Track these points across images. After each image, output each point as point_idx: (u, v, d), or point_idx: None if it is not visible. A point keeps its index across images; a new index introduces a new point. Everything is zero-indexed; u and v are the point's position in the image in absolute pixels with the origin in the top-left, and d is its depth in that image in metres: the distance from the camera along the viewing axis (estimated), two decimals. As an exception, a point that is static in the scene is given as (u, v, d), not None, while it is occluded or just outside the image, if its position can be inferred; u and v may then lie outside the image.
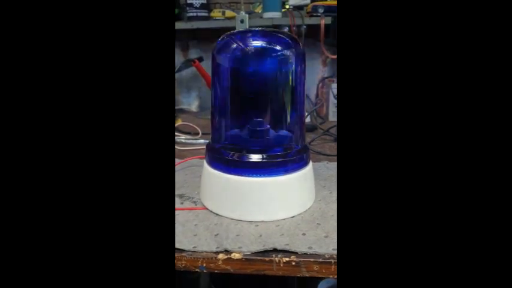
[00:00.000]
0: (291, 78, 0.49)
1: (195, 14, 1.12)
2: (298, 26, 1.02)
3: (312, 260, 0.38)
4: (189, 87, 1.28)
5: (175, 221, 0.45)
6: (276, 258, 0.38)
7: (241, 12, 1.00)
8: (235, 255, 0.38)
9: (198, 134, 0.89)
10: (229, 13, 1.12)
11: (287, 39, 0.49)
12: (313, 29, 1.03)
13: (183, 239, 0.41)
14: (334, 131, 0.87)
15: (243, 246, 0.39)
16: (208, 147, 0.50)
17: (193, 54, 1.24)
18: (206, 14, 1.13)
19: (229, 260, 0.38)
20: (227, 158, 0.46)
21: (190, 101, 1.28)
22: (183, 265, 0.39)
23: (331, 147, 0.80)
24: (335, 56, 1.07)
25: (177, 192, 0.54)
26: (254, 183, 0.45)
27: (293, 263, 0.38)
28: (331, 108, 1.08)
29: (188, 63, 1.08)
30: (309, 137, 0.84)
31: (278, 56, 0.48)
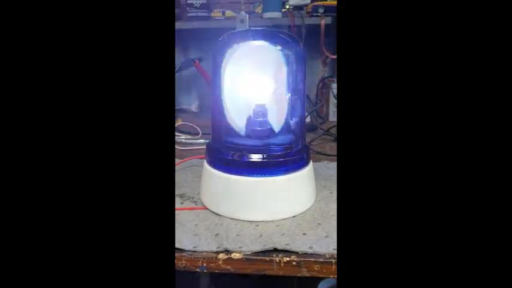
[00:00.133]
0: (291, 78, 0.49)
1: (195, 14, 1.12)
2: (298, 26, 1.02)
3: (312, 259, 0.38)
4: (189, 87, 1.28)
5: (176, 221, 0.45)
6: (277, 258, 0.38)
7: (242, 12, 1.00)
8: (236, 255, 0.38)
9: (198, 134, 0.89)
10: (229, 13, 1.12)
11: (287, 39, 0.49)
12: (313, 29, 1.03)
13: (183, 239, 0.41)
14: (334, 131, 0.87)
15: (243, 246, 0.39)
16: (209, 147, 0.50)
17: (193, 54, 1.24)
18: (206, 14, 1.13)
19: (229, 260, 0.38)
20: (227, 158, 0.46)
21: (190, 101, 1.28)
22: (183, 265, 0.39)
23: (331, 147, 0.80)
24: (335, 56, 1.07)
25: (177, 192, 0.54)
26: (254, 183, 0.45)
27: (293, 263, 0.38)
28: (331, 108, 1.08)
29: (188, 63, 1.08)
30: (309, 137, 0.84)
31: (278, 56, 0.48)
